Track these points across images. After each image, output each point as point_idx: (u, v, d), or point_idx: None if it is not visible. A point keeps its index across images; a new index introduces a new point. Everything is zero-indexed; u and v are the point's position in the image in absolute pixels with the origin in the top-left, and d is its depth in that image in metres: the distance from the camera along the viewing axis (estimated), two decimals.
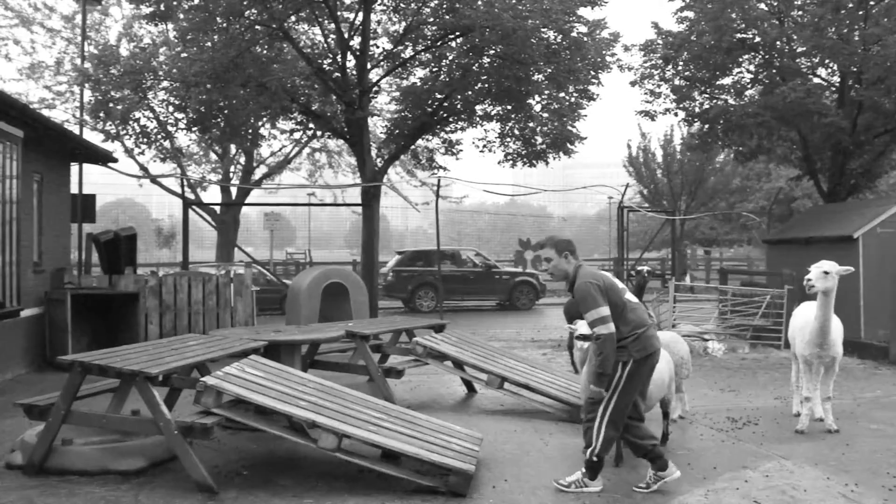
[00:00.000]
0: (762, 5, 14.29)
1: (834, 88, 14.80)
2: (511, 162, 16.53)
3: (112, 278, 10.82)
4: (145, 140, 18.13)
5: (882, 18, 13.26)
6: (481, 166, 18.98)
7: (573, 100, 15.56)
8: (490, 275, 20.64)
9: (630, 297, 4.96)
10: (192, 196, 20.58)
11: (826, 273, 6.34)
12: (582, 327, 5.95)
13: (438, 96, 15.08)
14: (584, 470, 4.97)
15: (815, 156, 15.06)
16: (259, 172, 22.71)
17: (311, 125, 18.07)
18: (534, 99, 15.46)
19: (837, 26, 13.74)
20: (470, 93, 15.05)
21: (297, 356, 7.60)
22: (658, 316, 12.55)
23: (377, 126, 19.84)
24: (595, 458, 4.88)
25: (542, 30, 13.83)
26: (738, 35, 14.06)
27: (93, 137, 16.63)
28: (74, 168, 13.13)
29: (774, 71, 14.62)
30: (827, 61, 14.44)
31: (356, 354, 8.42)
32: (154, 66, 16.62)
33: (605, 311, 4.69)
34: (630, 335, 4.77)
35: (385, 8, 15.64)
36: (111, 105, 16.41)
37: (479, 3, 13.41)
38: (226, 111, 14.64)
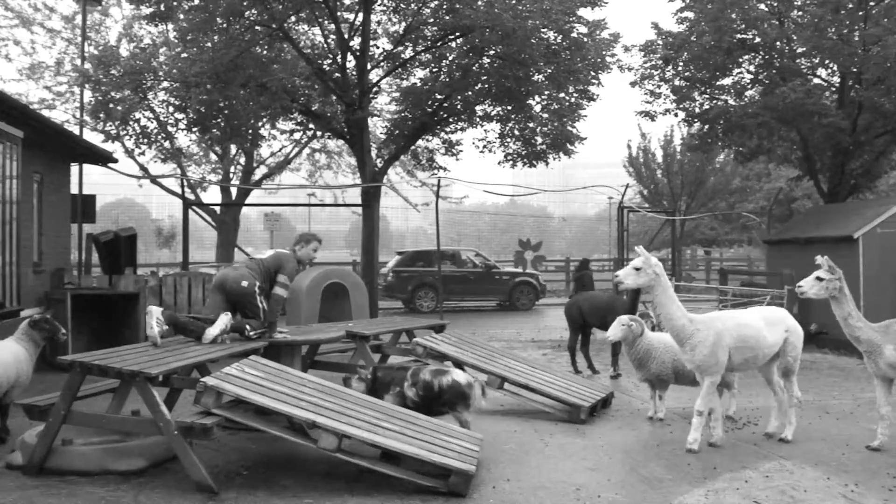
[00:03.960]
0: (762, 6, 14.28)
1: (834, 89, 14.80)
2: (511, 162, 16.53)
3: (112, 278, 10.80)
4: (145, 140, 18.09)
5: (882, 19, 13.26)
6: (481, 166, 18.97)
7: (573, 100, 15.56)
8: (490, 275, 20.63)
9: None
10: (192, 196, 20.54)
11: (637, 269, 5.83)
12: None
13: (438, 96, 15.08)
14: None
15: (815, 156, 15.05)
16: (259, 173, 22.68)
17: (311, 125, 18.06)
18: (534, 99, 15.46)
19: (837, 27, 13.74)
20: (470, 93, 15.05)
21: (297, 356, 7.59)
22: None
23: (377, 126, 19.83)
24: None
25: (542, 30, 13.83)
26: (738, 35, 14.06)
27: (93, 138, 16.60)
28: (74, 168, 13.12)
29: (774, 71, 14.61)
30: (827, 62, 14.44)
31: (356, 355, 8.41)
32: (154, 66, 16.59)
33: None
34: None
35: (385, 8, 15.64)
36: (111, 105, 16.36)
37: (479, 3, 13.41)
38: (226, 111, 14.64)
